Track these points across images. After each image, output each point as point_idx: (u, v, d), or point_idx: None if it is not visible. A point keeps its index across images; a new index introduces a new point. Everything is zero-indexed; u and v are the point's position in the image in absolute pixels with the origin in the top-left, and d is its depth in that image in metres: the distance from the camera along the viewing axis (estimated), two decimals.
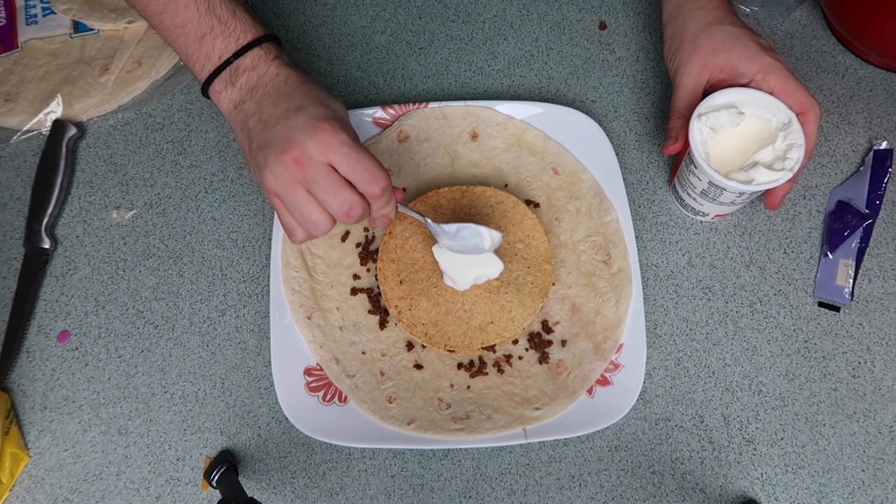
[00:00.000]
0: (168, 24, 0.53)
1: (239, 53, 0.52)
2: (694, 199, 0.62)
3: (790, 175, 0.55)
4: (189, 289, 0.64)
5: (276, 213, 0.57)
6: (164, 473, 0.59)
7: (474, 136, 0.67)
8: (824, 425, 0.59)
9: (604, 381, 0.59)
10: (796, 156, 0.56)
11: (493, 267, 0.57)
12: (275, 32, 0.55)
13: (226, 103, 0.53)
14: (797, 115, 0.57)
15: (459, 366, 0.60)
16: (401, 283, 0.60)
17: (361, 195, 0.50)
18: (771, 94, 0.57)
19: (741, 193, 0.57)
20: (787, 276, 0.64)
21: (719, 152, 0.58)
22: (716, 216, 0.64)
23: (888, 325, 0.62)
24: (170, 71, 0.71)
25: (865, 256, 0.64)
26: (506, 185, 0.65)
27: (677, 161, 0.64)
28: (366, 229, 0.64)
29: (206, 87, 0.53)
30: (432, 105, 0.67)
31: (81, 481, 0.59)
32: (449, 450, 0.59)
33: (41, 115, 0.68)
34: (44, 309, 0.64)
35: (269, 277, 0.62)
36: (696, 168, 0.58)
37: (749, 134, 0.59)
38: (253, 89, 0.52)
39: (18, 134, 0.68)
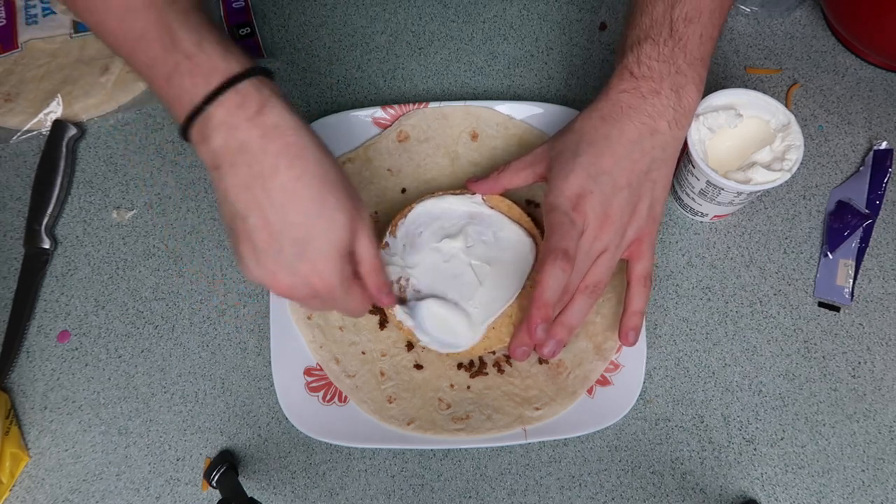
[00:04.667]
0: (139, 64, 0.46)
1: (209, 99, 0.43)
2: (692, 199, 0.62)
3: (789, 175, 0.56)
4: (189, 289, 0.64)
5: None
6: (164, 473, 0.59)
7: (474, 137, 0.66)
8: (824, 425, 0.59)
9: (604, 381, 0.59)
10: (794, 156, 0.56)
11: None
12: (265, 65, 0.46)
13: (205, 158, 0.46)
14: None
15: (459, 366, 0.60)
16: None
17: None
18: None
19: (739, 193, 0.57)
20: (787, 276, 0.64)
21: (717, 153, 0.58)
22: (714, 217, 0.64)
23: (888, 325, 0.62)
24: None
25: (865, 256, 0.64)
26: None
27: (676, 161, 0.64)
28: None
29: (184, 134, 0.46)
30: (432, 105, 0.66)
31: (81, 481, 0.59)
32: (449, 450, 0.59)
33: (41, 115, 0.68)
34: (44, 309, 0.64)
35: None
36: (693, 167, 0.58)
37: (747, 135, 0.59)
38: (233, 164, 0.44)
39: (18, 134, 0.68)
